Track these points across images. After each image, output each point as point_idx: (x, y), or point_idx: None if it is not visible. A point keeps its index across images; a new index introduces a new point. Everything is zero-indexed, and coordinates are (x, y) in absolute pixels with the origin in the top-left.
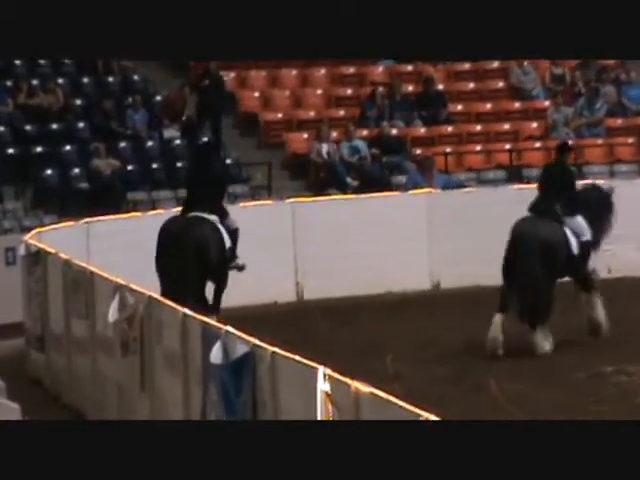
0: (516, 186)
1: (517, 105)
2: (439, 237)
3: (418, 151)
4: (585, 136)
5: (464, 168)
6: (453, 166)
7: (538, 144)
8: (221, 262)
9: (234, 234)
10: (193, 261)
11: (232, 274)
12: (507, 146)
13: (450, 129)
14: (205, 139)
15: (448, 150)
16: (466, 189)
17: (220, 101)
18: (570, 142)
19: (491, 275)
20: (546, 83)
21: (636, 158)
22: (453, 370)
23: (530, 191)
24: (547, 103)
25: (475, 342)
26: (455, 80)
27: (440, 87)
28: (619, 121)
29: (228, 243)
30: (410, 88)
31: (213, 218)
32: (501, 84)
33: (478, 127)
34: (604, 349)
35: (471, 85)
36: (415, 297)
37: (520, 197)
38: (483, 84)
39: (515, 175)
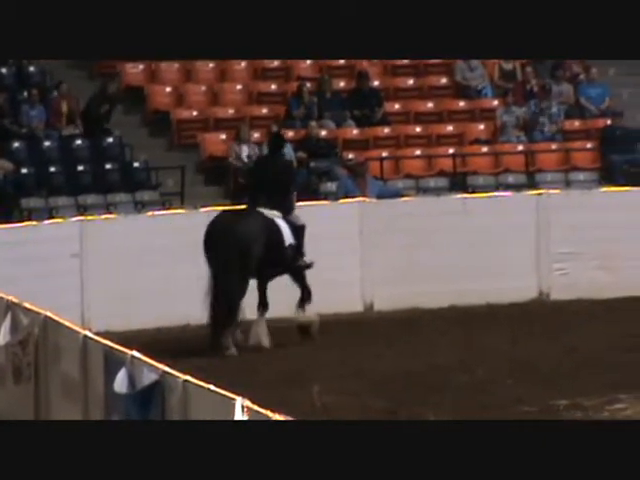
0: (460, 195)
1: (462, 105)
2: (373, 252)
3: (350, 155)
4: (538, 140)
5: (402, 175)
6: (389, 172)
7: (485, 149)
8: (276, 259)
9: (298, 231)
10: (235, 258)
11: (140, 291)
12: (450, 150)
13: (386, 131)
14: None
15: (384, 154)
16: (404, 198)
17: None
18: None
19: (431, 295)
20: (495, 80)
21: (595, 165)
22: (387, 402)
23: (476, 201)
24: (496, 103)
25: (411, 371)
26: (392, 76)
27: (375, 83)
28: (577, 124)
29: (289, 240)
30: (342, 84)
31: (272, 213)
32: (444, 81)
33: (418, 129)
34: (557, 380)
35: (410, 82)
36: (345, 320)
37: (464, 207)
38: (424, 81)
39: (459, 183)
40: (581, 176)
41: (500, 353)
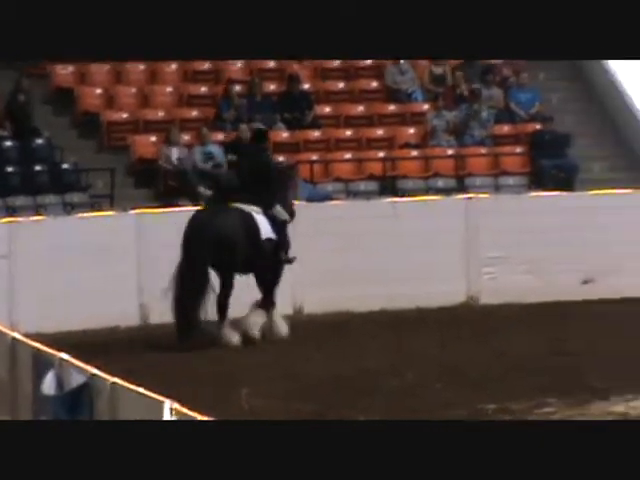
0: (390, 199)
1: (392, 108)
2: (303, 255)
3: (280, 158)
4: (468, 144)
5: (332, 178)
6: (319, 175)
7: (415, 153)
8: (254, 254)
9: (280, 226)
10: (208, 255)
11: (70, 293)
12: (380, 154)
13: (316, 134)
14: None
15: (314, 158)
16: (334, 202)
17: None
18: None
19: (361, 299)
20: (425, 84)
21: (525, 170)
22: (315, 405)
23: (406, 204)
24: (426, 107)
25: (341, 375)
26: (323, 79)
27: (306, 86)
28: (506, 128)
29: (268, 234)
30: (272, 87)
31: (251, 208)
32: (375, 84)
33: (348, 132)
34: (486, 384)
35: (341, 85)
36: None
37: (394, 211)
38: (354, 84)
39: (389, 187)
40: (510, 180)
41: (429, 357)
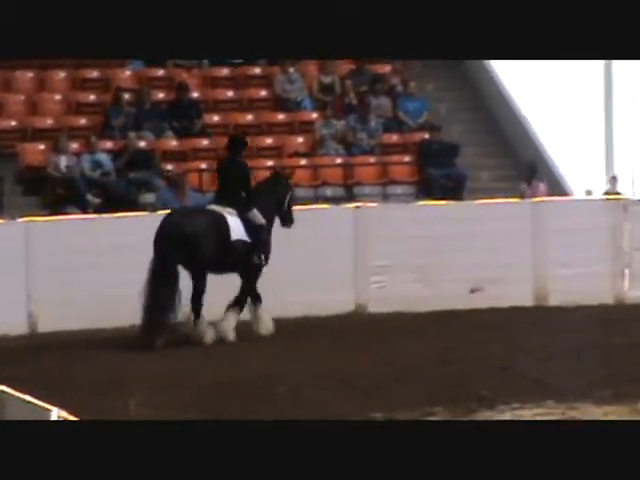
0: None
1: (281, 117)
2: None
3: (169, 166)
4: (356, 153)
5: None
6: (208, 184)
7: (304, 161)
8: (225, 254)
9: (255, 229)
10: (177, 253)
11: None
12: (269, 163)
13: (205, 143)
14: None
15: (203, 166)
16: None
17: None
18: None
19: (248, 307)
20: (314, 93)
21: (413, 179)
22: (204, 414)
23: (295, 213)
24: (315, 115)
25: (230, 382)
26: (212, 87)
27: (195, 95)
28: (395, 137)
29: (238, 236)
30: (161, 95)
31: (226, 210)
32: (264, 93)
33: None
34: (373, 393)
35: (230, 93)
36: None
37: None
38: (243, 93)
39: None
40: (399, 189)
41: (317, 365)
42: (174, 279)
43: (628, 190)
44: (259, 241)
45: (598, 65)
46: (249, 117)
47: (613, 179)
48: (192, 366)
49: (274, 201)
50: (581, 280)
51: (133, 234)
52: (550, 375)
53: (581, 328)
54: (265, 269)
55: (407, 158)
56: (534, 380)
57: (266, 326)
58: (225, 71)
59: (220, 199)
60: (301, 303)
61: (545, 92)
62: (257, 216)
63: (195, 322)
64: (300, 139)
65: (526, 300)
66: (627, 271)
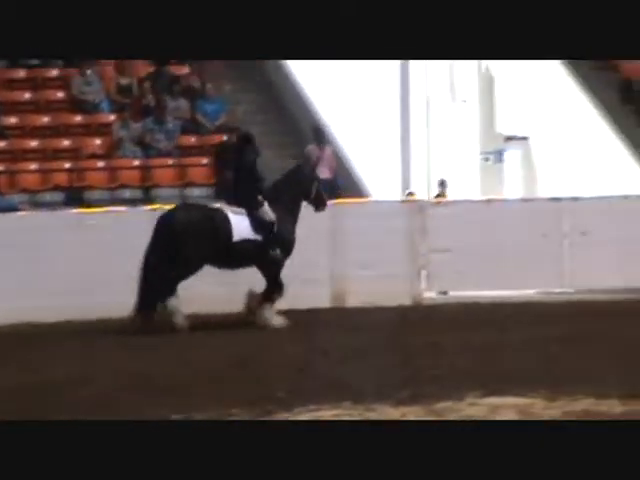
0: (76, 210)
1: (78, 119)
2: None
3: None
4: (154, 155)
5: (17, 189)
6: (5, 186)
7: (102, 163)
8: (226, 252)
9: (265, 226)
10: (164, 248)
11: None
12: (67, 165)
13: (2, 145)
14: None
15: (0, 168)
16: (20, 213)
17: None
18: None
19: (48, 310)
20: (112, 95)
21: (211, 181)
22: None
23: (93, 215)
24: (112, 117)
25: (28, 386)
26: (9, 89)
27: None
28: (193, 139)
29: (246, 235)
30: None
31: (233, 209)
32: (61, 95)
33: (34, 143)
34: (172, 393)
35: (27, 95)
36: None
37: (80, 222)
38: (40, 94)
39: (75, 197)
40: (197, 191)
41: (116, 366)
42: (159, 269)
43: (424, 192)
44: (271, 237)
45: (394, 65)
46: (45, 119)
47: (442, 183)
48: None
49: (299, 192)
50: (379, 281)
51: None
52: (348, 376)
53: (378, 329)
54: (62, 272)
55: (205, 160)
56: (332, 381)
57: (276, 319)
58: (22, 73)
59: (229, 197)
60: (98, 305)
61: (343, 93)
62: (267, 213)
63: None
64: (97, 141)
65: (324, 301)
66: (424, 272)
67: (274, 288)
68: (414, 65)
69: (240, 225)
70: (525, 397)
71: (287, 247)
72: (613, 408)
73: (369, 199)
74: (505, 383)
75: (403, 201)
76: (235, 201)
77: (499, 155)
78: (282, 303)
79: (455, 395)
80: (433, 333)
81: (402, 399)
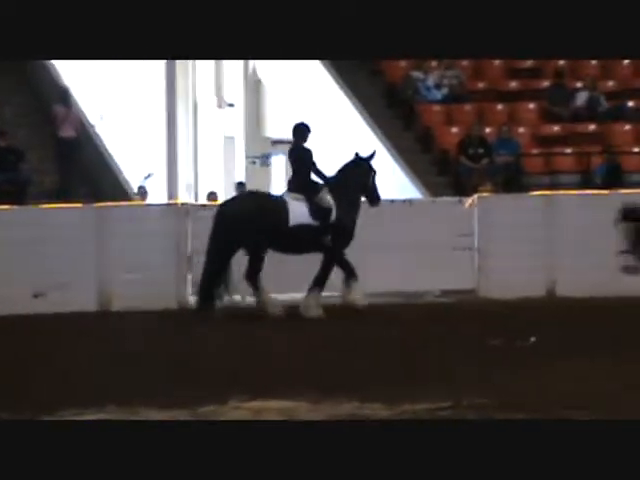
0: None
1: None
2: None
3: None
4: None
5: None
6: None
7: None
8: (283, 238)
9: (322, 212)
10: (219, 238)
11: None
12: None
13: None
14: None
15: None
16: None
17: None
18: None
19: None
20: None
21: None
22: None
23: None
24: None
25: None
26: None
27: None
28: None
29: (300, 220)
30: None
31: (294, 196)
32: None
33: None
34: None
35: None
36: None
37: None
38: None
39: None
40: None
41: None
42: (222, 258)
43: (188, 194)
44: (326, 223)
45: (160, 65)
46: None
47: (212, 194)
48: None
49: (359, 184)
50: (145, 285)
51: None
52: (112, 380)
53: (143, 333)
54: None
55: None
56: (96, 386)
57: (359, 299)
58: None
59: (290, 184)
60: None
61: (112, 93)
62: (324, 199)
63: (255, 294)
64: None
65: (90, 305)
66: (190, 276)
67: (326, 275)
68: (180, 67)
69: (297, 211)
70: (291, 400)
71: (347, 236)
72: (378, 412)
73: (136, 202)
74: (271, 386)
75: (169, 204)
76: (294, 188)
77: (266, 159)
78: (40, 306)
79: (219, 398)
80: (199, 337)
81: (167, 403)
